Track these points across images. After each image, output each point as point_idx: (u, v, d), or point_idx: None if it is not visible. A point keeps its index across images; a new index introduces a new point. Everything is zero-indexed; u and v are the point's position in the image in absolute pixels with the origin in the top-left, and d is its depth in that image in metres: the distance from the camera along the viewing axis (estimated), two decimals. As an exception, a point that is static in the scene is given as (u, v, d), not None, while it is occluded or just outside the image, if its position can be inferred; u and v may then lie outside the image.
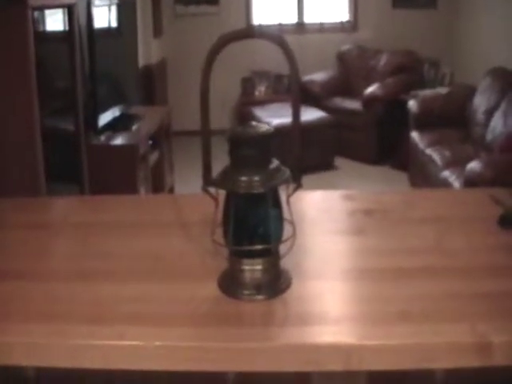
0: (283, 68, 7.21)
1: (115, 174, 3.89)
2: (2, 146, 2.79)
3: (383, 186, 5.79)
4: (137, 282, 1.34)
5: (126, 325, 1.16)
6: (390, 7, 7.58)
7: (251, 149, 1.21)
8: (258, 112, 6.71)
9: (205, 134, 1.25)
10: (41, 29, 3.08)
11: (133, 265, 1.42)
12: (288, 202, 1.27)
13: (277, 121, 5.75)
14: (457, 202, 1.82)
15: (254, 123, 1.27)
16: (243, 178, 1.20)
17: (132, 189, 3.94)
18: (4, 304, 1.26)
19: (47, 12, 3.13)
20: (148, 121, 4.67)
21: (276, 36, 1.24)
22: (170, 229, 1.60)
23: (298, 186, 1.27)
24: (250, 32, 1.33)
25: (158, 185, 4.82)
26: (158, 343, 1.11)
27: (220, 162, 1.27)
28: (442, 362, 1.10)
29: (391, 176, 6.13)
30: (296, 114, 1.25)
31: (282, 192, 1.26)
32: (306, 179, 1.28)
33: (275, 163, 1.24)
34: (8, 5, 2.75)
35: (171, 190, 5.30)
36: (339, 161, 6.55)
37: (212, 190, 1.25)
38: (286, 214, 1.27)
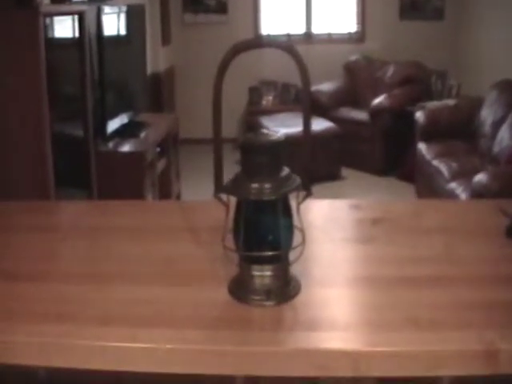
0: (290, 78, 7.27)
1: (123, 181, 3.91)
2: (13, 152, 2.81)
3: (390, 196, 5.80)
4: (147, 285, 1.35)
5: (137, 327, 1.17)
6: (397, 19, 7.61)
7: (263, 156, 1.22)
8: (265, 121, 6.73)
9: (217, 141, 1.27)
10: (51, 35, 3.10)
11: (143, 268, 1.43)
12: (298, 210, 1.28)
13: (284, 130, 5.76)
14: (464, 213, 1.83)
15: (265, 131, 1.29)
16: (254, 185, 1.21)
17: (139, 195, 3.96)
18: (15, 305, 1.27)
19: (57, 19, 3.16)
20: (156, 128, 4.70)
21: (288, 46, 1.26)
22: (179, 234, 1.61)
23: (309, 193, 1.28)
24: (262, 41, 1.35)
25: (165, 192, 4.84)
26: (168, 346, 1.12)
27: (227, 169, 1.29)
28: (450, 370, 1.11)
29: (398, 187, 6.13)
30: (306, 121, 1.27)
31: (292, 200, 1.28)
32: (312, 189, 1.29)
33: (286, 171, 1.25)
34: (20, 12, 2.78)
35: (178, 197, 5.32)
36: (346, 171, 6.55)
37: (223, 196, 1.27)
38: (295, 222, 1.28)
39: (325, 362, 1.11)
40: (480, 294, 1.28)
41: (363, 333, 1.18)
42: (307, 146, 1.28)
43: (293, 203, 1.28)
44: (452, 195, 4.53)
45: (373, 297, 1.30)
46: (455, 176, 4.74)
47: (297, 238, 1.28)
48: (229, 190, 1.24)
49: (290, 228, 1.27)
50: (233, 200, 1.26)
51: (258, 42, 1.30)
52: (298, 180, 1.25)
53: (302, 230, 1.28)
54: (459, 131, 5.56)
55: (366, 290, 1.34)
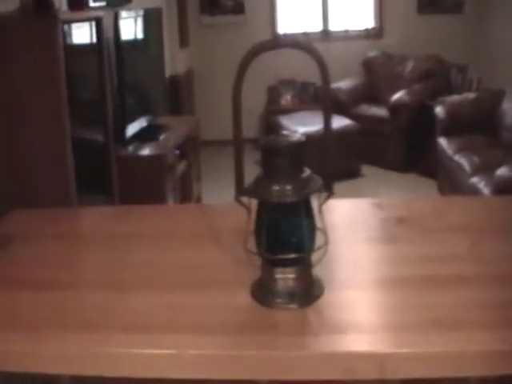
0: (309, 76, 7.24)
1: (143, 184, 3.92)
2: (34, 157, 2.83)
3: (411, 193, 5.76)
4: (171, 290, 1.35)
5: (162, 333, 1.17)
6: (415, 13, 7.56)
7: (284, 158, 1.22)
8: (285, 120, 6.72)
9: (237, 144, 1.26)
10: (69, 42, 3.12)
11: (166, 274, 1.43)
12: (320, 211, 1.27)
13: (303, 129, 5.75)
14: (488, 210, 1.81)
15: (285, 132, 1.28)
16: (276, 187, 1.21)
17: (160, 198, 3.96)
18: (39, 313, 1.28)
19: (75, 25, 3.17)
20: (175, 131, 4.70)
21: (307, 45, 1.25)
22: (202, 238, 1.61)
23: (330, 194, 1.27)
24: (280, 42, 1.34)
25: (186, 194, 4.84)
26: (193, 352, 1.12)
27: (248, 169, 1.28)
28: (476, 370, 1.10)
29: (419, 183, 6.09)
30: (327, 119, 1.26)
31: (314, 200, 1.27)
32: (333, 188, 1.28)
33: (307, 172, 1.24)
34: (39, 19, 2.80)
35: (198, 200, 5.32)
36: (366, 168, 6.52)
37: (244, 199, 1.26)
38: (318, 223, 1.27)
39: (351, 364, 1.10)
40: (505, 294, 1.27)
41: (389, 334, 1.16)
42: (329, 146, 1.27)
43: (315, 204, 1.27)
44: (474, 190, 4.49)
45: (398, 298, 1.29)
46: (477, 170, 4.69)
47: (319, 240, 1.27)
48: (250, 193, 1.24)
49: (312, 229, 1.26)
50: (254, 202, 1.25)
51: (277, 43, 1.29)
52: (319, 181, 1.24)
53: (324, 232, 1.27)
54: (480, 125, 5.50)
55: (390, 291, 1.33)
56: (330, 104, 1.29)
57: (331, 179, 1.26)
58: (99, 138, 3.52)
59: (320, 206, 1.28)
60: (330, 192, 1.27)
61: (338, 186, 1.31)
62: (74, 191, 2.86)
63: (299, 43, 1.31)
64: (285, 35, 7.73)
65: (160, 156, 4.13)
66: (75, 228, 1.84)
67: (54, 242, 1.66)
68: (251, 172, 1.26)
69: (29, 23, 2.79)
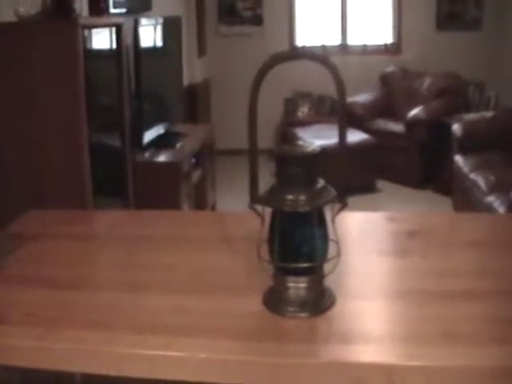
0: (326, 89, 7.25)
1: (159, 191, 3.94)
2: (51, 162, 2.86)
3: (426, 210, 5.74)
4: (182, 294, 1.36)
5: (172, 336, 1.18)
6: (434, 29, 7.56)
7: (298, 167, 1.23)
8: (301, 133, 6.72)
9: (252, 152, 1.27)
10: (89, 47, 3.15)
11: (179, 278, 1.44)
12: (333, 222, 1.28)
13: (319, 142, 5.74)
14: (501, 226, 1.81)
15: (300, 142, 1.29)
16: (289, 197, 1.22)
17: (175, 205, 3.98)
18: (53, 312, 1.29)
19: (95, 31, 3.20)
20: (191, 139, 4.72)
21: (323, 58, 1.26)
22: (215, 244, 1.62)
23: (344, 205, 1.28)
24: (297, 53, 1.35)
25: (201, 202, 4.86)
26: (202, 355, 1.13)
27: (263, 180, 1.29)
28: (486, 385, 1.10)
29: (434, 200, 6.07)
30: (342, 131, 1.27)
31: (327, 211, 1.28)
32: (348, 201, 1.29)
33: (321, 182, 1.25)
34: (59, 23, 2.83)
35: (213, 208, 5.34)
36: (381, 183, 6.51)
37: (258, 207, 1.27)
38: (330, 234, 1.28)
39: (359, 374, 1.10)
40: (518, 309, 1.27)
41: (398, 346, 1.17)
42: (343, 157, 1.28)
43: (328, 215, 1.28)
44: (490, 209, 4.47)
45: (408, 310, 1.29)
46: (493, 189, 4.67)
47: (332, 250, 1.28)
48: (264, 201, 1.25)
49: (324, 240, 1.27)
50: (268, 211, 1.26)
51: (294, 54, 1.30)
52: (333, 192, 1.25)
53: (337, 242, 1.28)
54: (497, 143, 5.48)
55: (401, 303, 1.33)
56: (345, 116, 1.29)
57: (345, 190, 1.27)
58: (116, 143, 3.54)
59: (333, 216, 1.28)
60: (343, 203, 1.28)
61: (353, 200, 1.31)
62: (90, 195, 2.88)
63: (316, 55, 1.32)
64: (303, 48, 7.76)
65: (176, 163, 4.15)
66: (89, 229, 1.86)
67: (68, 242, 1.68)
68: (266, 183, 1.27)
69: (49, 27, 2.82)
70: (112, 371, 1.16)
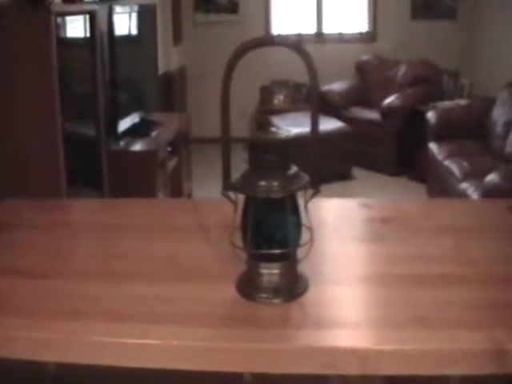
0: (302, 77, 7.21)
1: (134, 180, 3.92)
2: (25, 150, 2.83)
3: (401, 197, 5.78)
4: (157, 282, 1.36)
5: (147, 324, 1.18)
6: (408, 18, 7.60)
7: (271, 154, 1.22)
8: (277, 121, 6.73)
9: (225, 139, 1.27)
10: (63, 35, 3.11)
11: (153, 266, 1.44)
12: (306, 208, 1.28)
13: (295, 130, 5.74)
14: (475, 212, 1.83)
15: (273, 129, 1.29)
16: (262, 183, 1.21)
17: (150, 194, 3.96)
18: (27, 301, 1.28)
19: (68, 19, 3.17)
20: (167, 127, 4.70)
21: (295, 43, 1.26)
22: (188, 232, 1.62)
23: (316, 191, 1.28)
24: (269, 40, 1.35)
25: (177, 191, 4.84)
26: (177, 343, 1.12)
27: (238, 169, 1.29)
28: (459, 369, 1.10)
29: (409, 187, 6.12)
30: (314, 117, 1.26)
31: (300, 198, 1.28)
32: (323, 189, 1.29)
33: (294, 169, 1.25)
34: (32, 11, 2.79)
35: (189, 196, 5.33)
36: (357, 171, 6.54)
37: (231, 194, 1.27)
38: (303, 220, 1.28)
39: (333, 359, 1.10)
40: (490, 294, 1.28)
41: (372, 331, 1.17)
42: (315, 143, 1.28)
43: (301, 201, 1.28)
44: (463, 195, 4.51)
45: (382, 295, 1.30)
46: (467, 176, 4.72)
47: (305, 236, 1.28)
48: (237, 188, 1.25)
49: (298, 226, 1.27)
50: (241, 198, 1.26)
51: (266, 41, 1.30)
52: (306, 178, 1.25)
53: (309, 228, 1.28)
54: (471, 131, 5.54)
55: (375, 288, 1.34)
56: (318, 102, 1.29)
57: (317, 177, 1.27)
58: (91, 132, 3.52)
59: (306, 203, 1.29)
60: (316, 189, 1.28)
61: (328, 188, 1.32)
62: (64, 184, 2.86)
63: (287, 41, 1.32)
64: (278, 35, 7.75)
65: (151, 152, 4.13)
66: (64, 218, 1.85)
67: (43, 232, 1.67)
68: (241, 171, 1.27)
69: (22, 15, 2.79)
70: (86, 360, 1.15)
